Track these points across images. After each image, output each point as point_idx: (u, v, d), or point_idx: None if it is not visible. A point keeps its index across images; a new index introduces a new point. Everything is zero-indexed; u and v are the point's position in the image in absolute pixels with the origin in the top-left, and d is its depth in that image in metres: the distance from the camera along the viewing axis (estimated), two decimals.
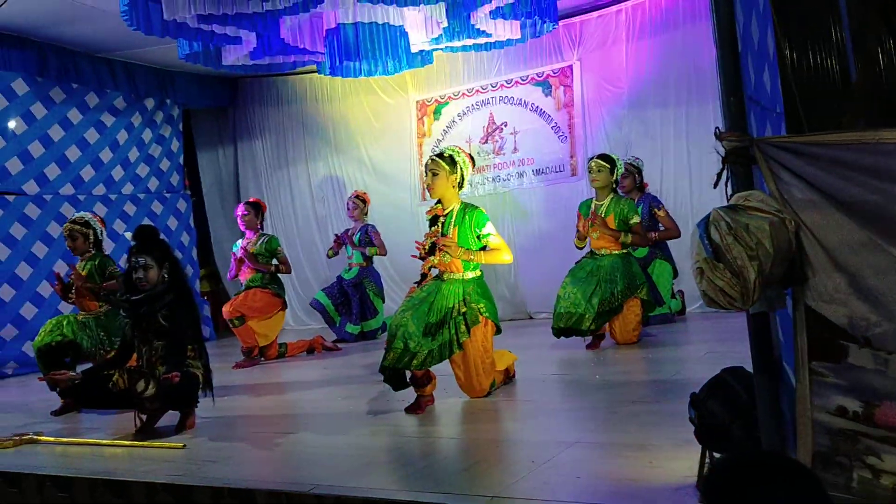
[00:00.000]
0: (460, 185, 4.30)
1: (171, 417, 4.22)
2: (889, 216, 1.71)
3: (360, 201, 7.79)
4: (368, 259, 7.72)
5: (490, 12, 6.28)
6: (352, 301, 7.60)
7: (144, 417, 4.18)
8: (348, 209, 7.84)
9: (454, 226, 4.23)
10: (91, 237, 5.35)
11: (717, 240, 1.80)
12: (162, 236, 4.33)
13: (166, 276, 4.13)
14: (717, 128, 2.12)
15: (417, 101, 8.83)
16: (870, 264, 1.75)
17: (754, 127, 2.29)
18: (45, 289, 7.51)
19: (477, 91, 8.44)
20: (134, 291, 4.10)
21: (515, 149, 8.20)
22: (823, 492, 1.23)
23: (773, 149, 1.99)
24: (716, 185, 2.12)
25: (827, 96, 2.62)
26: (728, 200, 2.06)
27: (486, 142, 8.39)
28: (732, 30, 2.15)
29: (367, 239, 7.59)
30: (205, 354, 4.24)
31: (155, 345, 4.09)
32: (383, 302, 7.74)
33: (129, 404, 4.08)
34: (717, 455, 2.45)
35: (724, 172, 2.13)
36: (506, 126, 8.24)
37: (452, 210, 4.27)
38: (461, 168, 4.27)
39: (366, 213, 7.78)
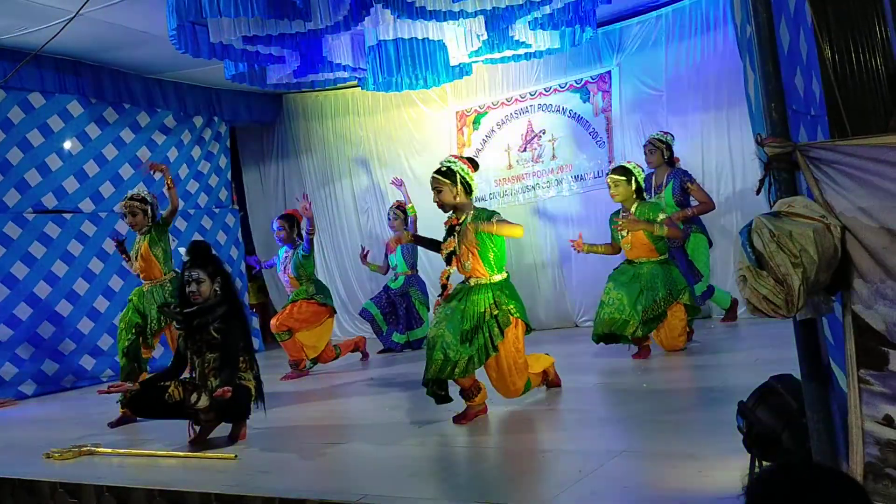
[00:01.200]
0: (469, 192, 4.29)
1: (223, 428, 4.31)
2: None
3: (401, 211, 7.84)
4: (413, 268, 7.78)
5: (529, 23, 6.30)
6: (398, 310, 7.67)
7: (198, 428, 4.28)
8: (389, 219, 7.90)
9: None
10: (149, 212, 5.56)
11: (759, 247, 1.79)
12: (214, 251, 4.44)
13: (218, 289, 4.24)
14: (758, 134, 2.11)
15: (457, 112, 8.87)
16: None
17: (804, 138, 2.27)
18: (102, 303, 7.74)
19: (516, 100, 8.44)
20: (187, 304, 4.21)
21: (554, 156, 8.17)
22: None
23: (816, 153, 1.98)
24: (759, 192, 2.11)
25: (871, 97, 2.57)
26: (771, 206, 2.04)
27: (524, 150, 8.38)
28: (772, 36, 2.14)
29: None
30: (256, 366, 4.34)
31: (208, 357, 4.20)
32: (429, 311, 7.78)
33: (183, 415, 4.19)
34: (766, 464, 2.42)
35: (767, 178, 2.11)
36: (544, 133, 8.22)
37: (466, 217, 4.27)
38: (460, 175, 4.25)
39: (406, 223, 7.82)
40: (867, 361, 1.91)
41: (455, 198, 4.23)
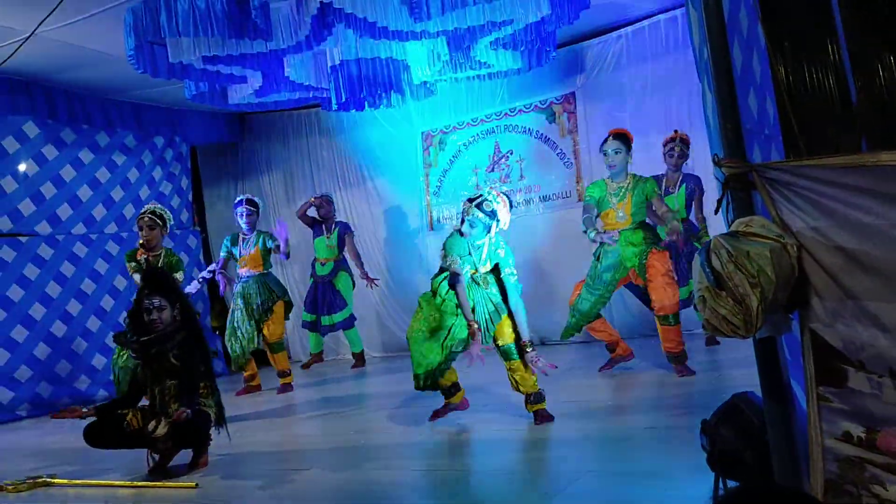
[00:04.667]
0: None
1: (184, 455, 4.21)
2: (887, 240, 1.70)
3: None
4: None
5: (490, 43, 6.34)
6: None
7: (157, 457, 4.18)
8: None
9: None
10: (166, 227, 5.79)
11: (718, 268, 1.80)
12: (172, 276, 4.37)
13: (177, 315, 4.16)
14: (714, 154, 2.13)
15: (423, 132, 8.88)
16: (864, 287, 1.74)
17: (759, 157, 2.29)
18: (59, 329, 7.56)
19: (482, 120, 8.49)
20: (143, 332, 4.12)
21: (522, 176, 8.21)
22: None
23: (772, 173, 1.99)
24: (717, 212, 2.13)
25: (825, 117, 2.61)
26: (729, 227, 2.06)
27: (492, 170, 8.41)
28: (727, 57, 2.17)
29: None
30: (217, 392, 4.25)
31: (167, 384, 4.10)
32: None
33: (142, 444, 4.09)
34: (730, 482, 2.42)
35: (725, 198, 2.13)
36: (511, 154, 8.27)
37: None
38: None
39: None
40: (826, 378, 1.92)
41: None
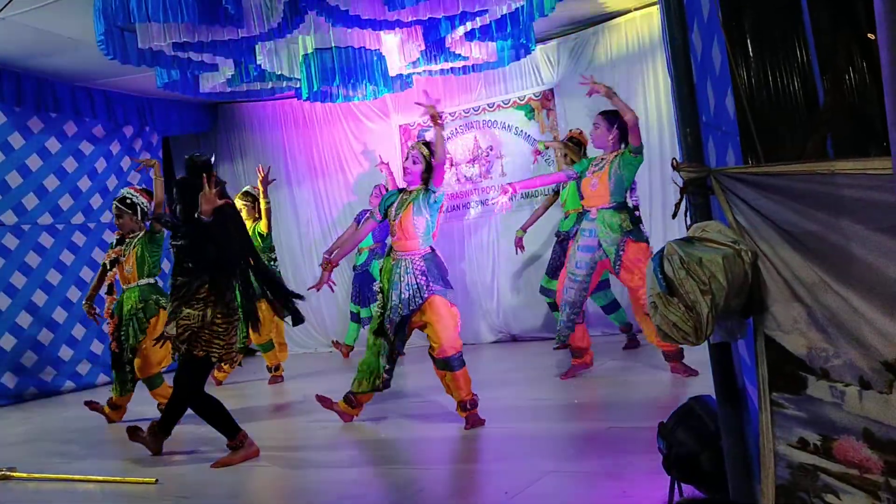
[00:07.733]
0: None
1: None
2: (841, 251, 1.69)
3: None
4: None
5: (465, 35, 6.28)
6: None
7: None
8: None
9: None
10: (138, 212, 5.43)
11: (670, 274, 1.78)
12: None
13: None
14: (673, 158, 2.11)
15: (400, 126, 8.81)
16: (823, 298, 1.72)
17: (713, 153, 2.27)
18: (24, 319, 7.43)
19: (459, 115, 8.41)
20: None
21: (503, 172, 8.15)
22: None
23: (729, 179, 1.98)
24: (674, 216, 2.11)
25: (790, 121, 2.60)
26: (687, 231, 2.04)
27: (473, 164, 8.36)
28: (687, 61, 2.15)
29: None
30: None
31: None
32: None
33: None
34: (686, 486, 2.42)
35: (684, 202, 2.12)
36: (491, 150, 8.22)
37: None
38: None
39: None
40: (782, 385, 1.91)
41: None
